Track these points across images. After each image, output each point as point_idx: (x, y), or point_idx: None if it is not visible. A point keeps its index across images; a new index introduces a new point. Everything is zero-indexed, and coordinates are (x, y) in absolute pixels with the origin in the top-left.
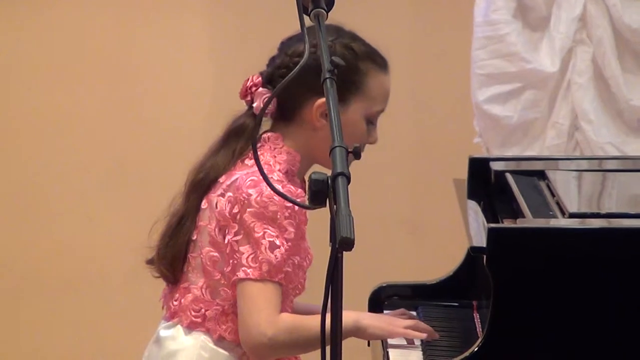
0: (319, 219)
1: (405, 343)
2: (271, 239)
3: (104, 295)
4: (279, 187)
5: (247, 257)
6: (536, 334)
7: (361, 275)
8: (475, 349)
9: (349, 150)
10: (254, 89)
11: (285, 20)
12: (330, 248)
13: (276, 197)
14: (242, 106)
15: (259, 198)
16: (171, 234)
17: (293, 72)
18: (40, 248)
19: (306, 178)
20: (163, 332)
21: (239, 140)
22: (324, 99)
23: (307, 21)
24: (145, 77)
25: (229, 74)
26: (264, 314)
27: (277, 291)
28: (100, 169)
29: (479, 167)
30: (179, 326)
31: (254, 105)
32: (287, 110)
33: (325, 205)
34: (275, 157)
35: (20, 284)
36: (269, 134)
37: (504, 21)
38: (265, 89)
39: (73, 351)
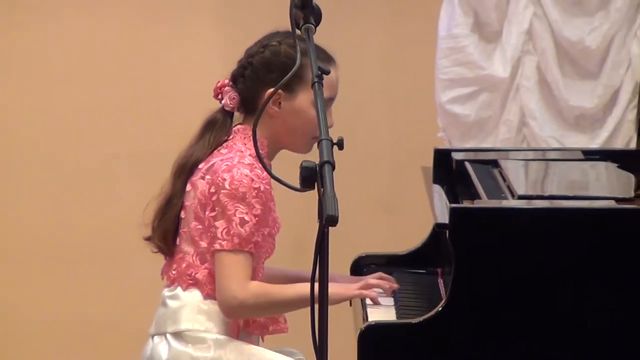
0: (307, 200)
1: (381, 298)
2: (241, 216)
3: (126, 266)
4: (247, 170)
5: (222, 231)
6: (490, 295)
7: (344, 247)
8: (440, 309)
9: (334, 142)
10: (223, 88)
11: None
12: (318, 224)
13: (245, 180)
14: None
15: (230, 182)
16: (162, 211)
17: (289, 74)
18: (71, 225)
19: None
20: (167, 294)
21: (212, 132)
22: (271, 89)
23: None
24: (168, 80)
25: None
26: (236, 280)
27: (247, 260)
28: (127, 159)
29: (442, 157)
30: (179, 288)
31: (223, 102)
32: (248, 104)
33: (314, 189)
34: (245, 144)
35: (53, 255)
36: (239, 126)
37: (463, 35)
38: (230, 87)
39: (95, 313)
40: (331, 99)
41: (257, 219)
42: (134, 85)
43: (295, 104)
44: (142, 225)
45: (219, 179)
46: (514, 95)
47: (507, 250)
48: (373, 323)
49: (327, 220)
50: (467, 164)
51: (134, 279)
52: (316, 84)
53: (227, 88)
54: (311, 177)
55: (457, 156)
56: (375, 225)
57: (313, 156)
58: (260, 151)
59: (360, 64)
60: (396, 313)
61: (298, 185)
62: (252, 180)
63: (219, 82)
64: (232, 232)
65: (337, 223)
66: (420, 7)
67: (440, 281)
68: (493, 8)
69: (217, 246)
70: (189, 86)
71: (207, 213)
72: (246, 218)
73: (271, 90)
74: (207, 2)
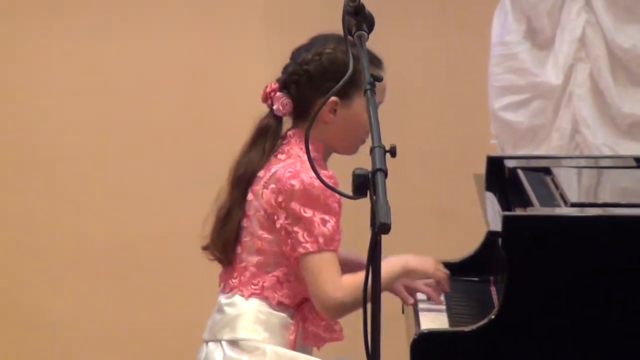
0: (360, 207)
1: (433, 306)
2: (321, 216)
3: (175, 274)
4: (304, 176)
5: (302, 234)
6: (543, 303)
7: (396, 254)
8: (492, 317)
9: (386, 149)
10: (272, 94)
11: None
12: (370, 232)
13: (316, 182)
14: None
15: (302, 187)
16: (221, 223)
17: (341, 82)
18: (125, 233)
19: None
20: (224, 301)
21: (266, 138)
22: (331, 99)
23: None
24: (219, 89)
25: None
26: (330, 281)
27: (334, 258)
28: (179, 166)
29: (495, 164)
30: (237, 295)
31: (274, 107)
32: (302, 110)
33: (366, 196)
34: (301, 148)
35: (110, 263)
36: (292, 131)
37: (516, 42)
38: (282, 93)
39: (148, 321)
40: (380, 103)
41: (336, 217)
42: (189, 94)
43: (351, 111)
44: (202, 236)
45: (288, 186)
46: (567, 103)
47: (560, 258)
48: (426, 331)
49: (380, 228)
50: (520, 172)
51: (187, 286)
52: (368, 91)
53: (278, 94)
54: (364, 185)
55: (509, 163)
56: (427, 232)
57: (365, 163)
58: (315, 154)
59: (414, 71)
60: (449, 321)
61: (350, 193)
62: None
63: (267, 87)
64: (315, 232)
65: (389, 231)
66: (473, 14)
67: (493, 289)
68: (546, 15)
69: (301, 250)
70: (240, 94)
71: (280, 222)
72: (326, 218)
73: (330, 98)
74: (256, 10)
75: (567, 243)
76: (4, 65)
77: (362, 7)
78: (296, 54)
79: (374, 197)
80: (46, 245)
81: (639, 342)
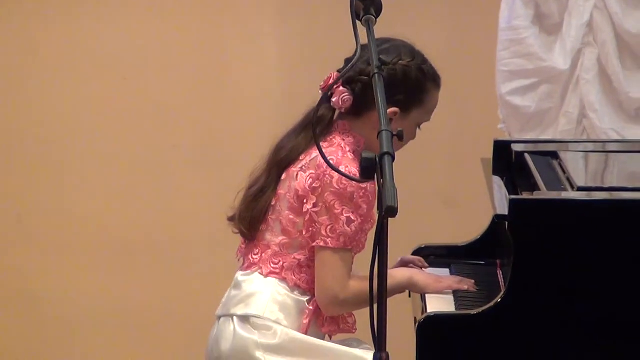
0: None
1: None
2: (348, 215)
3: (188, 255)
4: (354, 169)
5: (326, 227)
6: (549, 287)
7: (404, 238)
8: (499, 300)
9: (394, 133)
10: (336, 88)
11: (347, 25)
12: (377, 215)
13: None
14: (304, 99)
15: (338, 179)
16: (252, 200)
17: (349, 66)
18: (130, 216)
19: None
20: (242, 278)
21: (318, 128)
22: (392, 109)
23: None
24: (225, 73)
25: (294, 71)
26: (338, 280)
27: (349, 257)
28: (187, 150)
29: (502, 149)
30: (256, 273)
31: (333, 100)
32: (359, 109)
33: (373, 179)
34: (344, 139)
35: (114, 247)
36: (339, 121)
37: (524, 27)
38: (345, 88)
39: (163, 300)
40: (427, 121)
41: (362, 218)
42: (192, 79)
43: (404, 123)
44: (230, 208)
45: (327, 176)
46: (574, 88)
47: (566, 242)
48: (432, 314)
49: (387, 211)
50: (527, 156)
51: (194, 269)
52: (376, 75)
53: (342, 88)
54: (371, 168)
55: (517, 148)
56: (434, 216)
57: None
58: (356, 147)
59: None
60: (455, 304)
61: (358, 176)
62: None
63: (329, 77)
64: (338, 231)
65: (396, 214)
66: None
67: (499, 273)
68: (554, 0)
69: (320, 243)
70: (245, 80)
71: (308, 207)
72: (352, 217)
73: (391, 110)
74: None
75: (573, 227)
76: (18, 55)
77: None
78: (362, 48)
79: (382, 180)
80: (56, 233)
81: None
